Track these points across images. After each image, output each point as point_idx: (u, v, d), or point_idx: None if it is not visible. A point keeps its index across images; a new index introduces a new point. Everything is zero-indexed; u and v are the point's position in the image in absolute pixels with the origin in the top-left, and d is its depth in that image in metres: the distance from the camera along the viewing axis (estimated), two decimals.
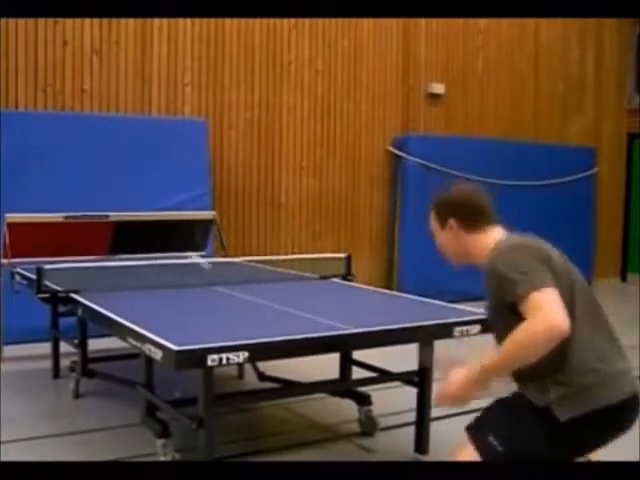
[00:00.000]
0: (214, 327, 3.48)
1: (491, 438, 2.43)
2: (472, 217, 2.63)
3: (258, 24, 7.70)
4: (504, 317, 2.40)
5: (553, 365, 2.34)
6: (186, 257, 5.69)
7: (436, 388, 2.47)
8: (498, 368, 2.37)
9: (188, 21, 7.28)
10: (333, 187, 8.34)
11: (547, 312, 2.22)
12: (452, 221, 2.64)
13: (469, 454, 2.49)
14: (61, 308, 4.77)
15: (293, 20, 7.88)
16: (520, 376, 2.48)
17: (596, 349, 2.39)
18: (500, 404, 2.57)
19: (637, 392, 2.43)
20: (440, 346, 3.89)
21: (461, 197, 2.69)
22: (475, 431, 2.52)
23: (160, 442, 3.65)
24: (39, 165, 6.30)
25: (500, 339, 2.43)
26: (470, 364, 2.45)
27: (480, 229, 2.62)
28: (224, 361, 2.90)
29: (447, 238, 2.68)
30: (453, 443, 2.59)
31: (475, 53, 9.26)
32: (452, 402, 2.49)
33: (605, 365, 2.38)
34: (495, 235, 2.60)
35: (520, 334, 2.24)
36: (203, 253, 6.33)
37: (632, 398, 2.41)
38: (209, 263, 5.26)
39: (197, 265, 5.28)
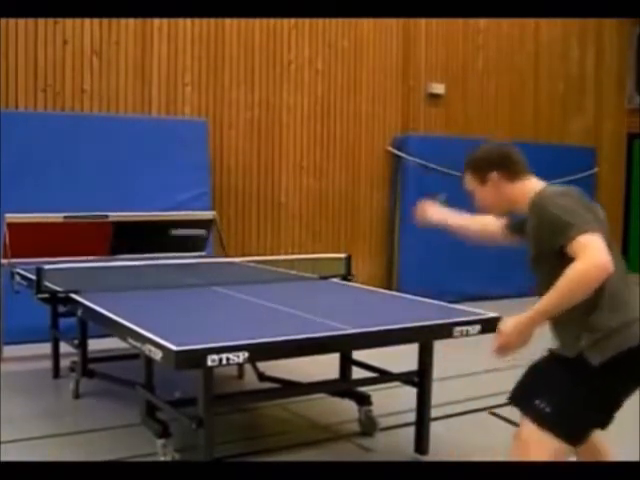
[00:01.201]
0: (214, 327, 3.48)
1: (537, 401, 2.51)
2: (513, 167, 2.72)
3: (258, 24, 7.70)
4: (550, 262, 2.49)
5: (586, 310, 2.44)
6: (186, 257, 5.68)
7: (492, 341, 2.54)
8: (552, 307, 2.43)
9: (188, 21, 7.29)
10: (333, 187, 8.35)
11: (596, 252, 2.35)
12: (494, 174, 2.71)
13: (525, 432, 2.54)
14: (61, 308, 4.78)
15: (293, 20, 7.88)
16: (557, 323, 2.58)
17: (621, 296, 2.51)
18: (534, 369, 2.66)
19: None
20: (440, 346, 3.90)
21: (498, 151, 2.78)
22: (519, 400, 2.62)
23: (160, 442, 3.65)
24: (39, 165, 6.30)
25: (543, 285, 2.51)
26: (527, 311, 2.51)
27: (522, 178, 2.71)
28: (224, 361, 2.90)
29: (489, 192, 2.75)
30: (453, 443, 2.60)
31: (475, 53, 9.26)
32: (511, 349, 2.54)
33: (628, 310, 2.50)
34: (535, 183, 2.70)
35: (573, 273, 2.34)
36: (203, 253, 6.34)
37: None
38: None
39: (197, 265, 5.27)
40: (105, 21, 6.87)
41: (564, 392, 2.49)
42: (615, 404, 2.55)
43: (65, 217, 5.75)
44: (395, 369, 4.13)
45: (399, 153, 8.54)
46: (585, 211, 2.48)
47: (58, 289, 4.33)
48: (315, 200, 8.23)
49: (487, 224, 3.04)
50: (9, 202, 5.90)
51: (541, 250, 2.55)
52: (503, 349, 2.54)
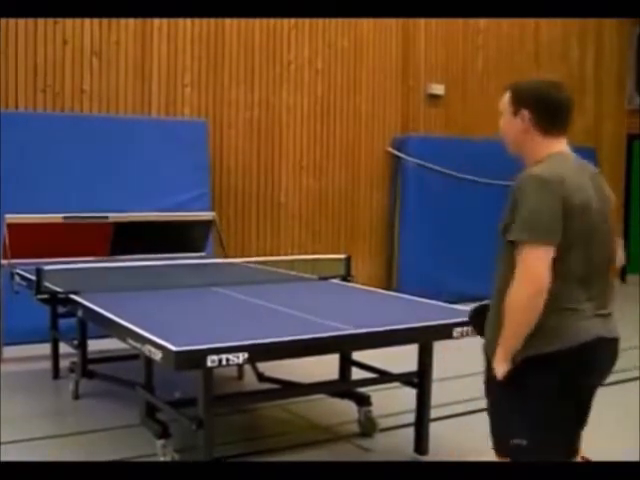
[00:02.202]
0: (214, 328, 3.48)
1: (514, 441, 2.44)
2: (551, 119, 2.49)
3: (258, 24, 7.70)
4: (504, 246, 2.45)
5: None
6: (186, 258, 5.68)
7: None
8: (509, 341, 2.39)
9: (188, 21, 7.28)
10: (333, 187, 8.35)
11: (530, 273, 2.30)
12: (526, 113, 2.50)
13: None
14: (61, 309, 4.77)
15: (293, 20, 7.88)
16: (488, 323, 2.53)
17: (569, 292, 2.40)
18: (493, 405, 2.56)
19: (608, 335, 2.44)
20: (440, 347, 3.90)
21: (550, 92, 2.50)
22: (499, 447, 2.51)
23: (160, 443, 3.65)
24: (39, 165, 6.30)
25: (497, 271, 2.50)
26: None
27: (553, 134, 2.51)
28: (224, 362, 2.90)
29: (514, 127, 2.54)
30: (452, 444, 2.59)
31: (475, 53, 9.26)
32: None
33: (576, 307, 2.40)
34: (555, 147, 2.51)
35: (512, 302, 2.34)
36: (202, 254, 6.34)
37: (594, 340, 2.40)
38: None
39: (196, 266, 5.27)
40: (105, 21, 6.87)
41: (525, 415, 2.42)
42: (569, 398, 2.45)
43: (65, 217, 5.75)
44: (395, 370, 4.12)
45: (399, 153, 8.54)
46: (552, 213, 2.32)
47: (58, 290, 4.34)
48: (315, 200, 8.23)
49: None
50: (9, 202, 5.90)
51: (501, 229, 2.48)
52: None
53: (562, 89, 2.52)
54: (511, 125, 2.56)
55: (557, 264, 2.35)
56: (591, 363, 2.43)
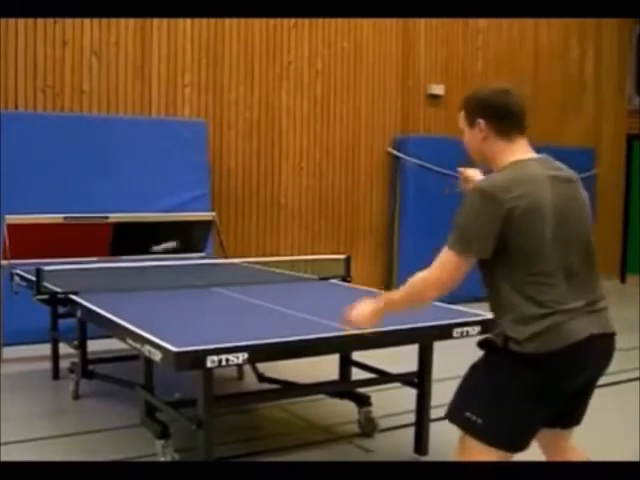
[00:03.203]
0: (213, 328, 3.48)
1: (468, 414, 2.46)
2: (506, 122, 2.53)
3: (258, 24, 7.70)
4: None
5: (510, 309, 2.42)
6: (185, 258, 5.68)
7: (344, 311, 2.79)
8: (396, 306, 2.67)
9: (188, 21, 7.28)
10: (333, 188, 8.35)
11: (439, 273, 2.49)
12: (482, 122, 2.54)
13: (466, 444, 2.49)
14: (61, 309, 4.77)
15: (293, 20, 7.88)
16: (492, 308, 2.57)
17: (554, 294, 2.40)
18: (464, 378, 2.58)
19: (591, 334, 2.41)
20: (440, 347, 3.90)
21: (498, 98, 2.55)
22: (453, 415, 2.54)
23: (160, 443, 3.65)
24: (39, 166, 6.30)
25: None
26: (379, 296, 2.78)
27: (509, 137, 2.53)
28: (223, 362, 2.90)
29: (475, 138, 2.59)
30: (452, 444, 2.59)
31: (475, 54, 9.26)
32: (355, 326, 2.81)
33: (561, 307, 2.38)
34: (520, 150, 2.54)
35: (415, 283, 2.54)
36: (202, 254, 6.34)
37: (585, 339, 2.39)
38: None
39: (196, 266, 5.27)
40: (105, 21, 6.87)
41: (492, 399, 2.43)
42: (549, 401, 2.43)
43: (65, 218, 5.75)
44: (395, 370, 4.12)
45: (398, 154, 8.54)
46: (484, 223, 2.38)
47: (58, 290, 4.33)
48: (315, 201, 8.23)
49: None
50: (9, 203, 5.90)
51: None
52: (351, 324, 2.78)
53: (511, 93, 2.57)
54: (472, 137, 2.61)
55: (532, 268, 2.38)
56: (582, 361, 2.42)
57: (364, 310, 2.74)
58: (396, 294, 2.67)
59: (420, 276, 2.54)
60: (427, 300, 2.55)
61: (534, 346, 2.36)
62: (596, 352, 2.45)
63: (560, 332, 2.36)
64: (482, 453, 2.44)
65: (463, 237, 2.44)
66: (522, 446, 2.46)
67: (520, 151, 2.54)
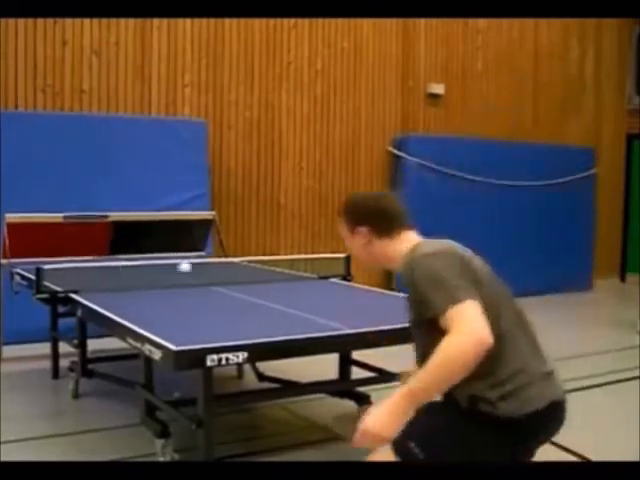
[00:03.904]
0: (213, 327, 3.48)
1: (412, 445, 2.33)
2: (386, 224, 2.49)
3: (258, 24, 7.71)
4: (425, 331, 2.28)
5: (479, 371, 2.18)
6: (185, 257, 5.68)
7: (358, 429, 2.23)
8: (427, 392, 2.17)
9: (188, 21, 7.29)
10: (333, 187, 8.35)
11: (471, 325, 2.11)
12: (362, 229, 2.50)
13: (383, 455, 2.38)
14: (60, 308, 4.77)
15: (293, 20, 7.88)
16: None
17: (520, 354, 2.30)
18: (423, 410, 2.32)
19: (561, 397, 2.35)
20: None
21: (370, 203, 2.55)
22: (395, 441, 2.31)
23: (160, 442, 3.64)
24: (39, 165, 6.30)
25: (419, 351, 2.37)
26: (395, 394, 2.20)
27: (393, 235, 2.49)
28: (223, 361, 2.90)
29: (358, 244, 2.54)
30: None
31: (475, 53, 9.26)
32: (375, 441, 2.27)
33: (530, 369, 2.30)
34: (410, 239, 2.48)
35: (445, 352, 2.08)
36: (202, 253, 6.34)
37: (556, 402, 2.33)
38: (190, 264, 5.22)
39: (196, 265, 5.27)
40: (104, 21, 6.87)
41: (443, 440, 2.33)
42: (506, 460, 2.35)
43: (65, 217, 5.75)
44: (395, 369, 4.12)
45: (399, 153, 8.55)
46: (458, 274, 2.22)
47: (58, 289, 4.33)
48: (315, 200, 8.23)
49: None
50: (9, 202, 5.90)
51: (415, 318, 2.35)
52: (365, 439, 2.26)
53: (389, 197, 2.60)
54: (357, 244, 2.54)
55: (494, 325, 2.21)
56: (541, 430, 2.34)
57: (380, 418, 2.19)
58: (423, 377, 2.15)
59: (446, 342, 2.10)
60: (471, 359, 2.08)
61: (501, 407, 2.24)
62: (555, 420, 2.36)
63: (523, 396, 2.26)
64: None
65: (453, 286, 2.18)
66: None
67: (413, 239, 2.48)
